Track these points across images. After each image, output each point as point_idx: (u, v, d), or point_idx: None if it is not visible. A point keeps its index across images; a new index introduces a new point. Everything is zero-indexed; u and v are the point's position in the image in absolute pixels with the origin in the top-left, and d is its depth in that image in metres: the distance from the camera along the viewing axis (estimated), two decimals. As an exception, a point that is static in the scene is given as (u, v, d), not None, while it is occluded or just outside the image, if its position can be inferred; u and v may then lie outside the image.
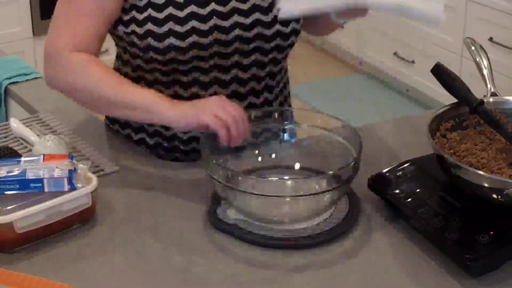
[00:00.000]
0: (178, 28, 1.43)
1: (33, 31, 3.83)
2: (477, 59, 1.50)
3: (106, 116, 1.66)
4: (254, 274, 1.21)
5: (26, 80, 1.92)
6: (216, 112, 1.31)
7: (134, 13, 1.44)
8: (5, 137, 1.60)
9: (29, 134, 1.52)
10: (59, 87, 1.48)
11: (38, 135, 1.51)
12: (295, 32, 1.52)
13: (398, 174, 1.37)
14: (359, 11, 1.39)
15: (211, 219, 1.31)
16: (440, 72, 1.43)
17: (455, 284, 1.18)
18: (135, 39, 1.45)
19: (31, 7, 3.77)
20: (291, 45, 1.54)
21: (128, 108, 1.38)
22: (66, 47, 1.43)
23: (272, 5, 1.48)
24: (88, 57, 1.43)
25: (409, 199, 1.30)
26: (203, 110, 1.32)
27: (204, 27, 1.44)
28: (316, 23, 1.59)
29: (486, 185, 1.24)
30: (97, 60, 1.44)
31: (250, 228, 1.28)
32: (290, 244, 1.25)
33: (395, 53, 4.01)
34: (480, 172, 1.26)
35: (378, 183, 1.36)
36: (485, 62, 1.49)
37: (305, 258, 1.24)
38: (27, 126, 1.57)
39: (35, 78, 1.93)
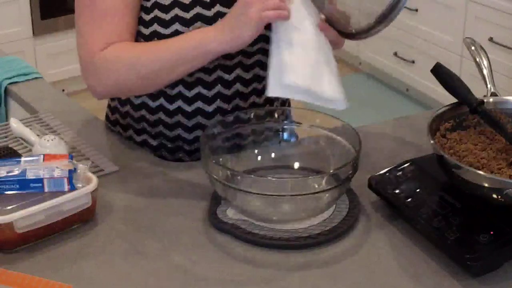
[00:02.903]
0: (184, 29, 1.43)
1: (33, 31, 3.83)
2: (477, 59, 1.50)
3: (106, 118, 1.66)
4: (254, 274, 1.21)
5: (26, 80, 1.92)
6: (260, 16, 1.31)
7: (141, 13, 1.44)
8: (5, 137, 1.60)
9: (29, 134, 1.52)
10: (107, 91, 1.46)
11: (38, 135, 1.51)
12: None
13: (398, 174, 1.37)
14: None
15: (211, 219, 1.31)
16: (440, 72, 1.43)
17: (455, 284, 1.18)
18: (141, 40, 1.45)
19: (31, 7, 3.77)
20: None
21: (183, 63, 1.37)
22: (99, 50, 1.40)
23: None
24: (117, 44, 1.40)
25: (409, 199, 1.31)
26: (247, 23, 1.32)
27: None
28: None
29: (486, 185, 1.24)
30: (125, 42, 1.41)
31: (250, 228, 1.28)
32: (290, 244, 1.26)
33: (395, 53, 4.01)
34: (480, 172, 1.26)
35: (378, 183, 1.36)
36: (485, 62, 1.49)
37: (305, 258, 1.24)
38: (27, 126, 1.57)
39: (35, 78, 1.93)
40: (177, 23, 1.43)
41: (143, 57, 1.39)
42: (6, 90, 1.90)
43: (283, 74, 1.34)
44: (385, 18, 1.34)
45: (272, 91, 1.35)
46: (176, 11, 1.43)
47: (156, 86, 1.44)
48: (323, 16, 1.43)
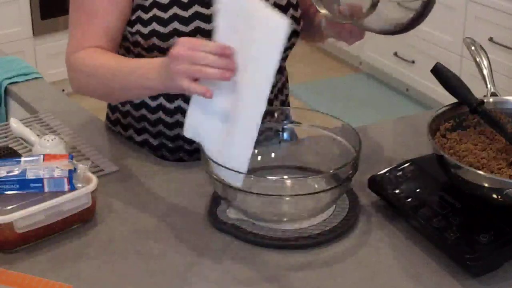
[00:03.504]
0: (182, 28, 1.43)
1: (33, 31, 3.82)
2: (477, 59, 1.50)
3: (107, 118, 1.66)
4: (254, 273, 1.21)
5: (26, 80, 1.92)
6: (187, 74, 1.22)
7: (139, 12, 1.45)
8: (5, 137, 1.60)
9: (29, 134, 1.52)
10: (76, 89, 1.48)
11: (38, 135, 1.51)
12: (296, 34, 1.53)
13: (398, 174, 1.37)
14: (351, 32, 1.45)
15: (211, 219, 1.31)
16: (440, 72, 1.43)
17: (455, 284, 1.18)
18: (140, 39, 1.46)
19: (31, 7, 3.77)
20: (292, 46, 1.55)
21: (127, 90, 1.38)
22: (74, 50, 1.44)
23: (274, 7, 1.48)
24: (90, 50, 1.43)
25: (409, 199, 1.30)
26: (175, 76, 1.23)
27: (208, 27, 1.44)
28: (310, 33, 1.61)
29: (486, 185, 1.24)
30: (97, 50, 1.43)
31: (250, 228, 1.28)
32: (290, 244, 1.26)
33: (395, 53, 4.01)
34: (480, 172, 1.26)
35: (378, 183, 1.36)
36: (485, 62, 1.49)
37: (305, 258, 1.24)
38: (27, 126, 1.57)
39: (35, 78, 1.93)
40: (175, 21, 1.43)
41: (99, 72, 1.41)
42: (6, 90, 1.90)
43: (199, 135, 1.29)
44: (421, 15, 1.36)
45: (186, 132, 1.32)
46: (175, 9, 1.44)
47: (112, 100, 1.54)
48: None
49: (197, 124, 1.29)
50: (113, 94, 1.43)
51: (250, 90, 1.21)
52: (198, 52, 1.21)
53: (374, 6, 1.37)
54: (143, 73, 1.33)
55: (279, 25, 1.16)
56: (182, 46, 1.22)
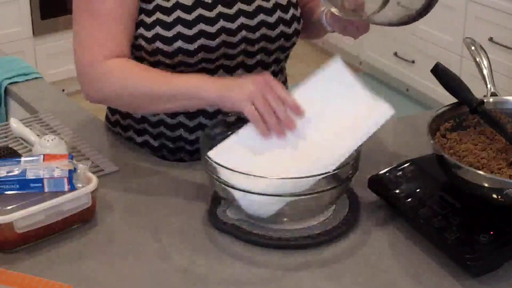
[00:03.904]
0: (186, 31, 1.43)
1: (33, 31, 3.82)
2: (477, 59, 1.50)
3: (107, 119, 1.66)
4: (254, 274, 1.21)
5: (26, 80, 1.92)
6: (254, 100, 1.28)
7: (142, 16, 1.44)
8: (5, 137, 1.60)
9: (29, 134, 1.52)
10: (100, 98, 1.45)
11: (38, 135, 1.51)
12: (297, 33, 1.53)
13: (398, 174, 1.37)
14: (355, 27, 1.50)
15: (211, 219, 1.31)
16: (440, 72, 1.43)
17: (455, 284, 1.18)
18: (143, 43, 1.45)
19: (31, 7, 3.77)
20: (292, 46, 1.55)
21: (172, 100, 1.37)
22: (99, 57, 1.40)
23: (275, 7, 1.49)
24: (122, 60, 1.41)
25: (409, 199, 1.30)
26: (241, 95, 1.29)
27: (212, 29, 1.44)
28: (308, 29, 1.61)
29: (486, 185, 1.24)
30: (131, 61, 1.42)
31: (250, 228, 1.28)
32: (290, 244, 1.26)
33: (395, 53, 4.01)
34: (480, 172, 1.26)
35: (378, 183, 1.36)
36: (485, 62, 1.49)
37: (305, 258, 1.24)
38: (27, 126, 1.57)
39: (35, 78, 1.93)
40: (179, 25, 1.43)
41: (142, 81, 1.39)
42: (6, 90, 1.90)
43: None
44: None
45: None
46: (178, 13, 1.43)
47: (144, 111, 1.49)
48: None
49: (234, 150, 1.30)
50: (154, 104, 1.40)
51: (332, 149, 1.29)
52: (274, 93, 1.28)
53: (386, 2, 1.38)
54: (199, 82, 1.35)
55: (387, 111, 1.39)
56: (266, 79, 1.31)
